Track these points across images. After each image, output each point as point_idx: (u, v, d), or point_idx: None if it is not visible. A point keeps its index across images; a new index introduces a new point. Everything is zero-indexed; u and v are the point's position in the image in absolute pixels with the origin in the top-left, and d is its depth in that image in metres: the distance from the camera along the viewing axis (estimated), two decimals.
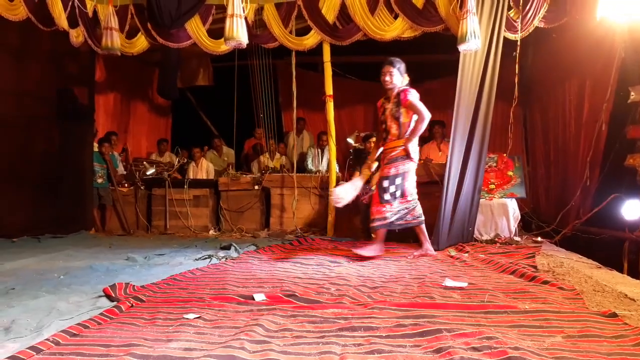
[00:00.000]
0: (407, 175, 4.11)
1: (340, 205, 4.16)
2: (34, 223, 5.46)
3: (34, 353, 1.80)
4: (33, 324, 2.19)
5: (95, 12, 5.61)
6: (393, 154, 4.11)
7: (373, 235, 5.59)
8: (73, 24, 5.42)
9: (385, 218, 4.10)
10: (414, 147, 4.10)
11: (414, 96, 4.08)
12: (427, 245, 4.26)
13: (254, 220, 6.38)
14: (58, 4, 5.15)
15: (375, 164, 4.38)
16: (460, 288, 2.85)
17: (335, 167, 6.06)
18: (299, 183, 6.20)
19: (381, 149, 4.27)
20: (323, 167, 6.93)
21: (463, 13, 4.59)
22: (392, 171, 4.08)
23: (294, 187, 6.18)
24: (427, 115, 4.04)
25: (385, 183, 4.07)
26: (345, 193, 4.14)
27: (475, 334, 1.94)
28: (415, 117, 4.07)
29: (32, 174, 5.55)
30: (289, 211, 6.22)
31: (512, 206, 4.99)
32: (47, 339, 1.93)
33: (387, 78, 4.11)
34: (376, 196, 4.15)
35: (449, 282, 2.96)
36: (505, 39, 4.85)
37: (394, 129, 4.11)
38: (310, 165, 7.21)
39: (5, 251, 4.50)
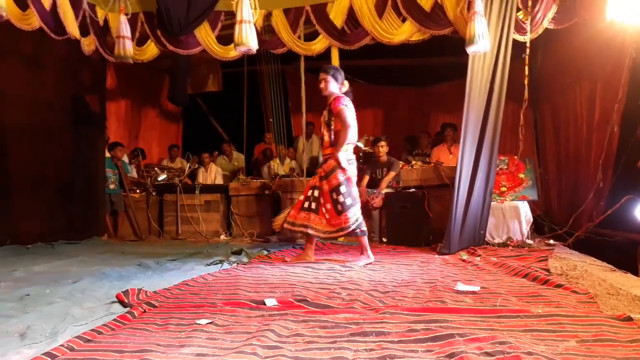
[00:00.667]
0: (350, 181, 4.10)
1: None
2: (48, 229, 5.52)
3: (49, 359, 1.81)
4: (48, 330, 2.21)
5: (106, 21, 5.69)
6: (327, 163, 4.13)
7: (384, 239, 5.60)
8: (84, 32, 5.49)
9: (348, 227, 4.09)
10: (345, 156, 4.07)
11: (343, 105, 4.06)
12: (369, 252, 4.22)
13: (265, 225, 6.39)
14: (69, 13, 5.22)
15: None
16: (473, 292, 2.83)
17: None
18: None
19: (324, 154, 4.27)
20: None
21: (471, 15, 4.57)
22: (334, 182, 4.09)
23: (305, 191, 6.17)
24: (348, 125, 4.02)
25: (334, 195, 4.08)
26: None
27: (488, 338, 1.92)
28: None
29: (46, 181, 5.62)
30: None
31: (524, 209, 4.95)
32: (62, 345, 1.94)
33: (322, 85, 4.10)
34: (332, 210, 4.09)
35: (461, 286, 2.95)
36: (514, 40, 4.83)
37: (326, 137, 4.14)
38: None
39: (20, 257, 4.56)
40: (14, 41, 5.06)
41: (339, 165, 4.03)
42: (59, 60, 5.75)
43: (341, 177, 4.05)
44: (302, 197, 4.25)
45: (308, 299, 2.66)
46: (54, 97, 5.76)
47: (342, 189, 4.04)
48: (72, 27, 5.25)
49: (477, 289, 2.90)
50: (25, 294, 2.97)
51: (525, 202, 5.02)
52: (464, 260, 4.12)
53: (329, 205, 4.08)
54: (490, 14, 4.70)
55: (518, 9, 4.86)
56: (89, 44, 5.62)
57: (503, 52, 4.74)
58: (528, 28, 4.86)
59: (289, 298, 2.69)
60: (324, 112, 4.19)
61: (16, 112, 5.22)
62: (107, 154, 6.68)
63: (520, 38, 4.91)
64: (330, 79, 4.08)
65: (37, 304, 2.72)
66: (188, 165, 7.21)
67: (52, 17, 5.03)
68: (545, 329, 2.09)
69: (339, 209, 4.05)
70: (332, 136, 4.09)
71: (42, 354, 1.84)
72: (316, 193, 4.15)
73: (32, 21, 4.82)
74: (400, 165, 6.08)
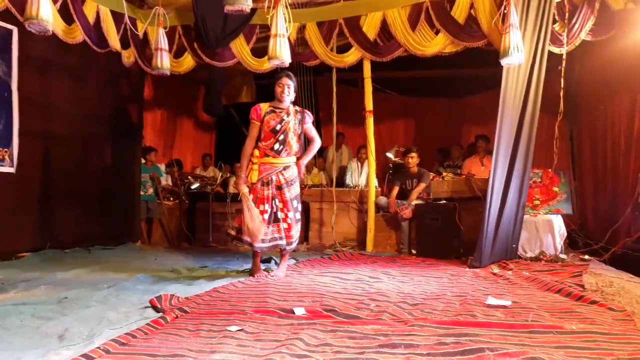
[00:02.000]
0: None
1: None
2: (85, 235, 5.70)
3: None
4: (85, 333, 2.28)
5: (145, 34, 5.89)
6: (292, 172, 4.04)
7: (414, 251, 5.56)
8: (125, 45, 5.71)
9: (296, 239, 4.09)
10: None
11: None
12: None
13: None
14: (112, 26, 5.45)
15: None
16: (504, 306, 2.79)
17: (374, 182, 6.07)
18: (338, 197, 6.24)
19: (274, 160, 4.02)
20: (362, 181, 6.94)
21: (506, 27, 4.54)
22: (296, 190, 4.07)
23: (333, 201, 6.21)
24: (319, 139, 4.21)
25: (295, 203, 4.04)
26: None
27: (519, 354, 1.90)
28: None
29: (85, 189, 5.81)
30: (327, 225, 6.26)
31: (558, 223, 4.84)
32: (98, 347, 2.01)
33: (286, 91, 3.98)
34: (293, 218, 4.03)
35: (491, 300, 2.91)
36: (550, 52, 4.77)
37: (295, 146, 4.04)
38: (349, 179, 7.24)
39: (59, 262, 4.72)
40: (59, 54, 5.27)
41: (298, 175, 4.11)
42: (100, 72, 5.97)
43: (298, 187, 4.12)
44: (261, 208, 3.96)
45: (336, 309, 2.67)
46: (95, 107, 5.97)
47: (298, 198, 4.09)
48: (114, 40, 5.47)
49: (508, 303, 2.85)
50: (63, 297, 3.08)
51: (559, 216, 4.91)
52: (495, 274, 4.05)
53: (291, 214, 4.01)
54: (525, 26, 4.66)
55: (554, 21, 4.79)
56: (128, 56, 5.83)
57: (538, 64, 4.68)
58: (564, 40, 4.79)
59: (318, 308, 2.71)
60: (280, 116, 3.96)
61: (60, 122, 5.43)
62: (142, 160, 6.89)
63: (556, 50, 4.84)
64: (292, 86, 4.02)
65: (75, 307, 2.82)
66: (220, 174, 7.35)
67: (95, 31, 5.25)
68: (580, 346, 2.04)
69: (297, 219, 4.07)
70: (298, 146, 4.07)
71: (79, 356, 1.91)
72: (277, 202, 4.01)
73: (77, 35, 5.04)
74: (431, 177, 6.04)
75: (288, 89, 3.96)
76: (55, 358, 1.94)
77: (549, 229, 4.81)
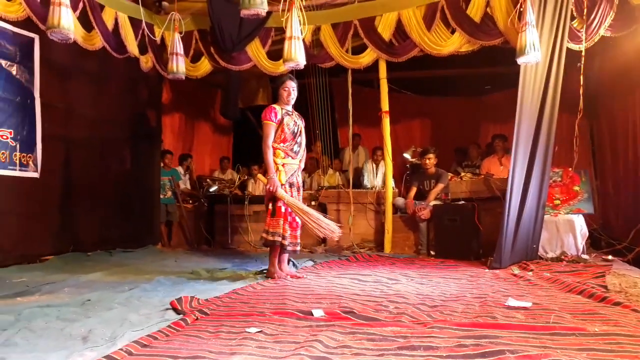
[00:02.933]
0: None
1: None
2: (106, 238, 5.79)
3: None
4: (108, 334, 2.32)
5: (162, 39, 5.97)
6: (301, 175, 4.15)
7: (432, 253, 5.52)
8: (143, 50, 5.80)
9: None
10: None
11: None
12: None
13: (311, 236, 6.43)
14: (130, 32, 5.54)
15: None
16: (524, 308, 2.76)
17: (391, 183, 6.05)
18: (355, 199, 6.23)
19: (293, 161, 4.05)
20: (378, 182, 6.91)
21: (522, 25, 4.50)
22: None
23: (350, 202, 6.21)
24: None
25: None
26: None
27: (541, 356, 1.87)
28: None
29: (106, 192, 5.91)
30: (345, 227, 6.24)
31: (579, 222, 4.77)
32: (121, 349, 2.04)
33: (293, 94, 4.03)
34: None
35: (512, 302, 2.88)
36: (569, 49, 4.70)
37: (304, 147, 4.11)
38: (366, 180, 7.23)
39: (81, 264, 4.81)
40: (79, 61, 5.38)
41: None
42: (119, 78, 6.06)
43: None
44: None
45: (355, 311, 2.67)
46: (114, 112, 6.06)
47: None
48: (132, 45, 5.56)
49: (529, 304, 2.82)
50: (86, 299, 3.14)
51: (581, 216, 4.84)
52: (515, 275, 4.01)
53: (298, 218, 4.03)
54: (542, 24, 4.61)
55: (572, 18, 4.73)
56: (146, 62, 5.92)
57: (556, 61, 4.62)
58: (583, 36, 4.72)
59: (336, 309, 2.72)
60: (293, 119, 4.03)
61: (80, 128, 5.53)
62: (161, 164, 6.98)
63: (575, 47, 4.77)
64: (296, 88, 4.06)
65: (98, 309, 2.87)
66: (238, 177, 7.40)
67: (114, 37, 5.34)
68: (603, 349, 2.01)
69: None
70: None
71: (103, 357, 1.94)
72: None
73: (96, 41, 5.15)
74: (449, 177, 6.00)
75: (294, 92, 4.01)
76: (80, 359, 1.98)
77: (570, 228, 4.75)
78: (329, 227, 3.88)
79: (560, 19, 4.62)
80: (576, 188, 4.96)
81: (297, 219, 4.00)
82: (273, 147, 3.96)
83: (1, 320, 2.53)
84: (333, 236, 3.95)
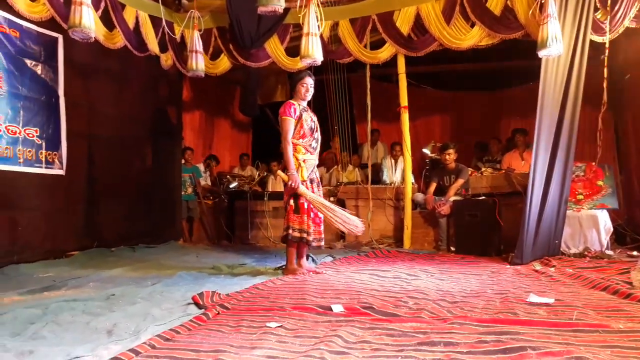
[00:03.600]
0: None
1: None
2: (130, 234, 5.90)
3: (134, 355, 1.95)
4: (131, 328, 2.37)
5: (182, 37, 6.03)
6: (317, 169, 4.16)
7: (452, 248, 5.49)
8: (163, 48, 5.87)
9: None
10: None
11: None
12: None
13: (330, 231, 6.44)
14: (150, 31, 5.61)
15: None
16: (546, 304, 2.73)
17: (410, 178, 6.02)
18: (373, 195, 6.22)
19: (312, 156, 4.07)
20: (397, 178, 6.89)
21: (544, 17, 4.42)
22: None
23: (369, 198, 6.20)
24: None
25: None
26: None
27: (563, 352, 1.85)
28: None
29: (128, 189, 6.01)
30: (364, 223, 6.23)
31: (603, 218, 4.68)
32: (145, 343, 2.08)
33: (311, 90, 4.05)
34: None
35: (533, 298, 2.85)
36: (592, 41, 4.61)
37: (318, 144, 4.12)
38: (385, 176, 7.20)
39: (106, 260, 4.91)
40: (101, 59, 5.47)
41: None
42: (140, 76, 6.15)
43: None
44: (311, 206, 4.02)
45: (374, 306, 2.68)
46: (135, 110, 6.15)
47: None
48: (153, 44, 5.64)
49: (551, 301, 2.79)
50: (111, 294, 3.20)
51: (605, 211, 4.75)
52: (537, 271, 3.96)
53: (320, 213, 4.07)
54: (565, 16, 4.52)
55: (596, 9, 4.63)
56: (167, 60, 5.99)
57: (579, 54, 4.54)
58: (607, 28, 4.61)
59: (355, 305, 2.72)
60: (309, 114, 4.07)
61: (103, 125, 5.62)
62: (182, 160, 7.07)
63: (598, 39, 4.67)
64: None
65: (122, 304, 2.92)
66: (257, 173, 7.45)
67: (135, 36, 5.42)
68: (628, 346, 1.98)
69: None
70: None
71: (127, 350, 1.99)
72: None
73: (117, 40, 5.23)
74: (470, 172, 5.95)
75: (311, 89, 4.04)
76: (105, 352, 2.03)
77: (593, 224, 4.67)
78: (352, 222, 3.90)
79: (583, 11, 4.53)
80: (600, 183, 4.87)
81: (320, 214, 4.02)
82: (293, 143, 3.95)
83: (30, 314, 2.61)
84: (357, 231, 3.96)
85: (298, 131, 3.97)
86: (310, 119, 4.02)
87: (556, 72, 4.54)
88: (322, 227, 4.09)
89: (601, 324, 2.27)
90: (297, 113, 3.97)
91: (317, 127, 4.07)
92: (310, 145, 4.01)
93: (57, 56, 4.97)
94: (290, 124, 3.94)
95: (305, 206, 3.95)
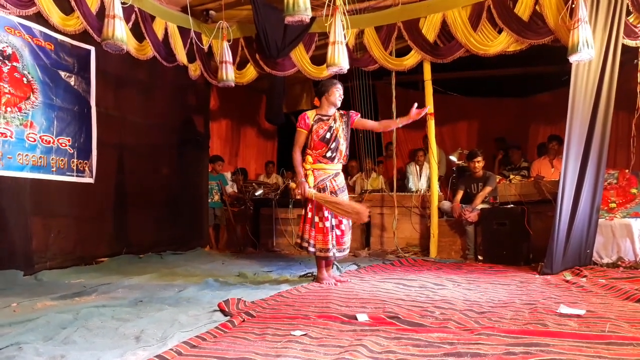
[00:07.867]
0: None
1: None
2: (157, 241, 5.98)
3: None
4: (159, 334, 2.40)
5: (210, 47, 6.14)
6: (342, 179, 4.10)
7: (480, 258, 5.40)
8: (191, 59, 5.98)
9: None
10: None
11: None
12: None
13: (355, 239, 6.41)
14: (179, 41, 5.73)
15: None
16: (577, 316, 2.66)
17: (436, 186, 5.95)
18: (399, 202, 6.18)
19: (327, 166, 4.03)
20: (422, 185, 6.82)
21: (574, 22, 4.34)
22: (347, 196, 4.13)
23: (394, 206, 6.16)
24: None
25: None
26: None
27: None
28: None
29: (156, 197, 6.10)
30: (389, 231, 6.21)
31: (637, 226, 4.54)
32: (171, 349, 2.11)
33: (341, 96, 4.05)
34: (347, 225, 4.09)
35: (564, 309, 2.78)
36: (624, 46, 4.50)
37: (345, 150, 4.05)
38: (411, 183, 7.15)
39: (134, 266, 5.00)
40: (131, 70, 5.60)
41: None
42: (168, 86, 6.26)
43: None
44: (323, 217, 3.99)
45: (400, 316, 2.65)
46: (164, 119, 6.27)
47: None
48: (181, 54, 5.75)
49: (582, 312, 2.71)
50: (139, 300, 3.26)
51: (639, 220, 4.61)
52: (567, 281, 3.86)
53: (345, 221, 4.06)
54: (596, 20, 4.43)
55: (628, 13, 4.52)
56: (194, 70, 6.10)
57: (611, 58, 4.43)
58: None
59: (381, 314, 2.70)
60: (329, 123, 4.00)
61: (132, 134, 5.74)
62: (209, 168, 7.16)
63: (631, 43, 4.56)
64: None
65: (149, 310, 2.97)
66: (282, 181, 7.49)
67: (164, 47, 5.54)
68: None
69: (350, 225, 4.14)
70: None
71: (154, 357, 2.02)
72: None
73: (147, 51, 5.35)
74: (497, 180, 5.85)
75: (342, 94, 4.06)
76: (132, 358, 2.06)
77: (627, 233, 4.53)
78: (355, 209, 3.87)
79: (615, 14, 4.44)
80: (634, 190, 4.73)
81: (343, 227, 4.03)
82: (306, 152, 4.05)
83: (61, 319, 2.67)
84: (362, 218, 3.93)
85: (309, 142, 4.05)
86: (323, 129, 3.98)
87: (587, 77, 4.44)
88: (346, 237, 4.07)
89: (636, 337, 2.20)
90: (309, 123, 4.03)
91: (334, 136, 3.98)
92: (324, 155, 4.00)
93: (90, 68, 5.10)
94: (300, 135, 4.06)
95: (309, 215, 3.98)
